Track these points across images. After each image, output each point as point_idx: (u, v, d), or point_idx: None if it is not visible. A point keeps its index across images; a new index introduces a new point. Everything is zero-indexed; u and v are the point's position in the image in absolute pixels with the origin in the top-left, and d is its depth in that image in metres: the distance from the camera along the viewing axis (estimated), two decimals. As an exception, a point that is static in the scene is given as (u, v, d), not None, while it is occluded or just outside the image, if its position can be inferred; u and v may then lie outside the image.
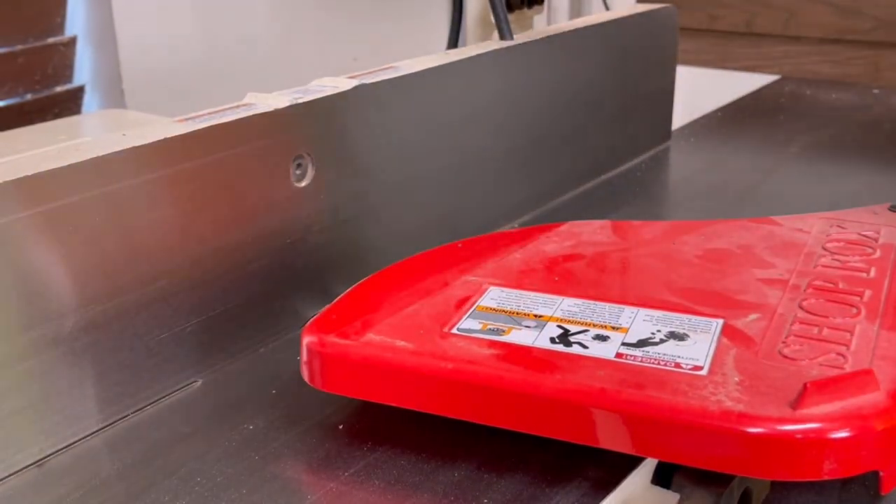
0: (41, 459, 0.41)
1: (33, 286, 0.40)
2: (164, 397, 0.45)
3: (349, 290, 0.45)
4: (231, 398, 0.45)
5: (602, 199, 0.72)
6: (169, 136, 0.44)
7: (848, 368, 0.37)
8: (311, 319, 0.42)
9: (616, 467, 0.38)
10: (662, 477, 0.38)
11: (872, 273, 0.46)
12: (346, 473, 0.39)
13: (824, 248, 0.49)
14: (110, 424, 0.43)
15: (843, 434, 0.33)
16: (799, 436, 0.33)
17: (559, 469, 0.39)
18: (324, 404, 0.43)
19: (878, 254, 0.48)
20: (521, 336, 0.40)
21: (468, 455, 0.40)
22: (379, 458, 0.40)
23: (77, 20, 1.16)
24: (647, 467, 0.38)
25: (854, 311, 0.42)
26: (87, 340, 0.42)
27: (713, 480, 0.35)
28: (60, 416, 0.41)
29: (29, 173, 0.39)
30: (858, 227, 0.52)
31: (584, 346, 0.39)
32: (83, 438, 0.42)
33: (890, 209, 0.54)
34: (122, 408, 0.44)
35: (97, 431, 0.43)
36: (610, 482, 0.38)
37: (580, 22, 0.73)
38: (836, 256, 0.48)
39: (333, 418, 0.43)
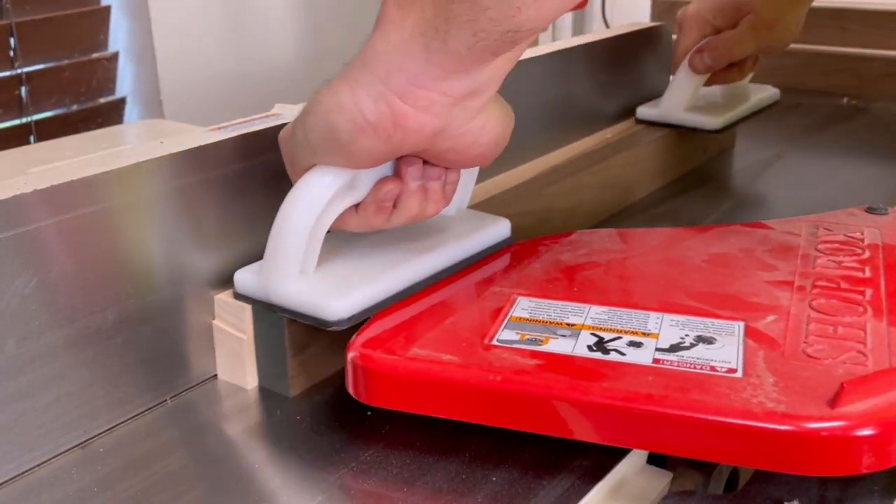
0: (85, 441, 0.41)
1: (79, 281, 0.40)
2: (195, 386, 0.45)
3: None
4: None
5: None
6: (203, 143, 0.44)
7: (870, 366, 0.37)
8: (354, 336, 0.41)
9: (600, 460, 0.39)
10: (657, 457, 0.38)
11: (867, 272, 0.46)
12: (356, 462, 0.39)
13: (818, 250, 0.49)
14: (149, 409, 0.43)
15: (878, 430, 0.33)
16: (839, 433, 0.33)
17: (549, 462, 0.39)
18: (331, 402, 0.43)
19: (867, 254, 0.49)
20: (559, 345, 0.40)
21: (468, 446, 0.40)
22: (381, 452, 0.40)
23: (119, 37, 1.18)
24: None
25: (861, 309, 0.42)
26: (129, 332, 0.42)
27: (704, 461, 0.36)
28: (103, 400, 0.41)
29: (75, 178, 0.39)
30: (843, 229, 0.52)
31: (622, 353, 0.39)
32: (124, 422, 0.42)
33: (867, 211, 0.55)
34: (159, 394, 0.44)
35: (137, 415, 0.43)
36: (596, 473, 0.38)
37: (582, 39, 0.74)
38: (831, 257, 0.48)
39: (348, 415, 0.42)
